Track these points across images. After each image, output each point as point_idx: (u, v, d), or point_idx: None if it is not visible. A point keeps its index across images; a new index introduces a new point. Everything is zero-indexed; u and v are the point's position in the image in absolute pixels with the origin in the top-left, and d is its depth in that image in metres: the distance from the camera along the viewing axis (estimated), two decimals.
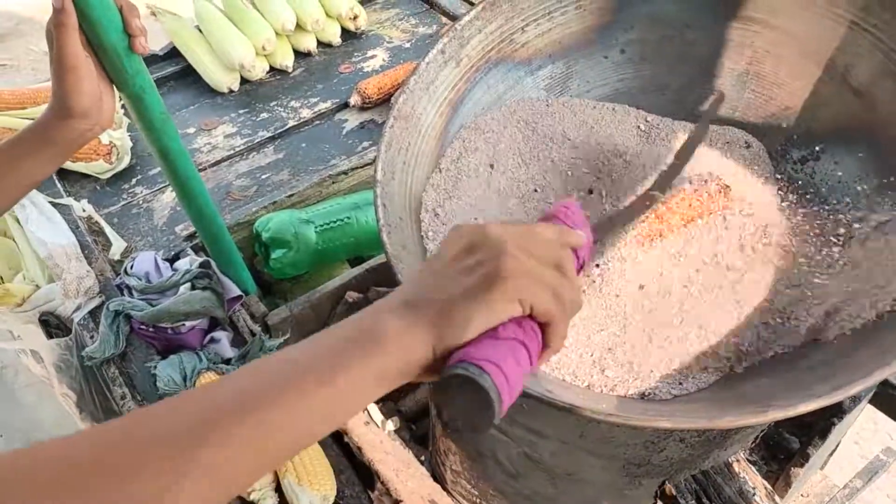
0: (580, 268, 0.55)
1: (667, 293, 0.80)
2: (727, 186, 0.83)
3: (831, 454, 1.23)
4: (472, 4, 1.76)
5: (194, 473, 0.38)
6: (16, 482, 0.35)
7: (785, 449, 1.13)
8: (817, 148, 0.89)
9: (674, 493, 0.99)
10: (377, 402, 1.28)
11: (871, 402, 1.05)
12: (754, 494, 0.97)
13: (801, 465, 1.08)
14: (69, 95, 0.75)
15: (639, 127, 0.99)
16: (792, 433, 1.13)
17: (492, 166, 0.94)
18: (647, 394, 0.73)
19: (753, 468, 1.01)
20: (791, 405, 0.58)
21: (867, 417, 1.87)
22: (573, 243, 0.52)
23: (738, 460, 0.99)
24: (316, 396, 0.41)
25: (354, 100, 1.56)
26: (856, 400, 0.99)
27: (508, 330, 0.44)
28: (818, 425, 1.03)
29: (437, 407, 0.44)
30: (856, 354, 0.66)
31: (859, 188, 0.83)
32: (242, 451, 0.40)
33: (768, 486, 1.01)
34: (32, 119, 0.79)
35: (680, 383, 0.74)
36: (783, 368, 0.72)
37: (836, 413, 1.00)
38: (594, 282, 0.83)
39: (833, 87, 0.86)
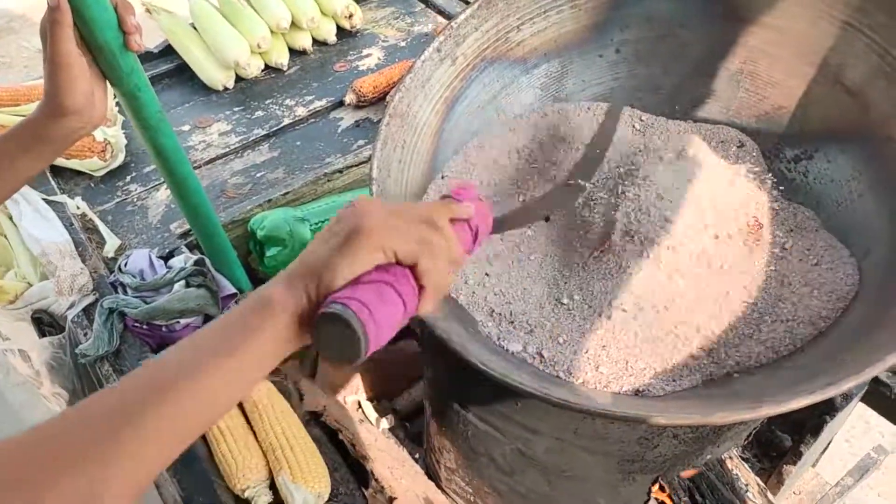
0: (474, 238, 0.61)
1: (660, 292, 0.81)
2: (760, 225, 0.83)
3: (823, 452, 1.24)
4: (467, 3, 1.76)
5: (121, 459, 0.43)
6: None
7: (777, 446, 1.14)
8: (811, 147, 0.89)
9: (667, 489, 0.99)
10: (372, 401, 1.28)
11: (862, 400, 1.06)
12: (747, 491, 0.97)
13: (794, 463, 1.08)
14: (61, 93, 0.75)
15: (633, 126, 0.99)
16: (784, 431, 1.13)
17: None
18: (640, 390, 0.73)
19: (746, 465, 1.01)
20: (783, 401, 0.59)
21: (858, 416, 1.88)
22: (456, 212, 0.58)
23: (731, 457, 0.99)
24: (225, 368, 0.47)
25: (350, 98, 1.56)
26: (847, 398, 1.00)
27: (372, 274, 0.51)
28: (810, 423, 1.04)
29: (316, 346, 0.50)
30: (847, 351, 0.66)
31: (852, 188, 0.84)
32: (164, 431, 0.45)
33: (761, 483, 1.01)
34: (26, 116, 0.78)
35: (673, 380, 0.74)
36: (775, 365, 0.73)
37: (827, 411, 1.01)
38: (590, 281, 0.84)
39: (826, 86, 0.86)
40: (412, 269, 0.53)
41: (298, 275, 0.51)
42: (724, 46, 0.94)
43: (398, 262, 0.53)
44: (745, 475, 1.00)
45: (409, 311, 0.53)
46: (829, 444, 1.21)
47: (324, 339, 0.49)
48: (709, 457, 0.89)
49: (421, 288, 0.54)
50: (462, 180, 0.64)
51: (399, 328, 0.53)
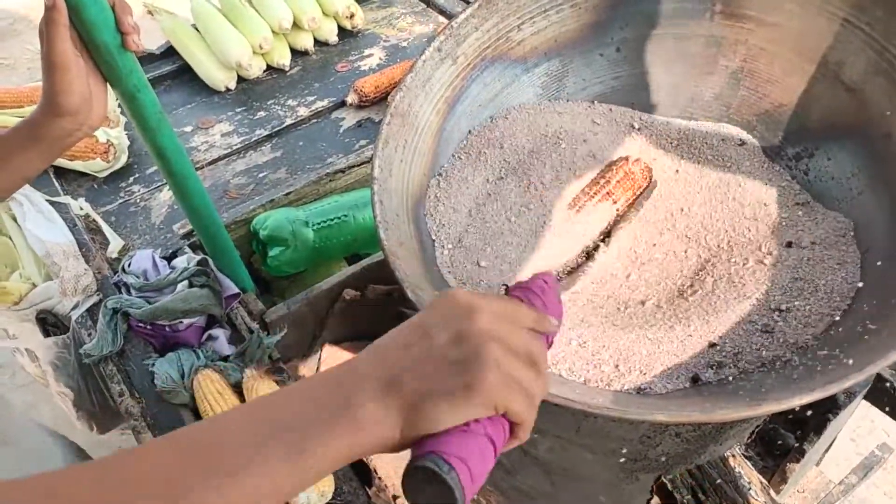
0: (549, 345, 0.56)
1: (661, 291, 0.81)
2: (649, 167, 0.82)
3: (827, 450, 1.24)
4: (468, 3, 1.76)
5: None
6: None
7: (781, 444, 1.14)
8: (811, 145, 0.89)
9: (670, 487, 0.99)
10: None
11: (865, 398, 1.06)
12: (750, 489, 0.97)
13: (797, 461, 1.08)
14: (58, 94, 0.74)
15: (632, 125, 0.99)
16: (787, 429, 1.13)
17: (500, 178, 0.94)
18: (642, 388, 0.73)
19: (749, 463, 1.01)
20: (785, 398, 0.59)
21: (863, 414, 1.87)
22: (547, 331, 0.53)
23: (733, 455, 0.99)
24: (286, 463, 0.42)
25: (351, 98, 1.57)
26: (851, 396, 1.00)
27: (480, 425, 0.45)
28: (813, 421, 1.04)
29: (405, 491, 0.45)
30: (849, 349, 0.66)
31: (852, 185, 0.84)
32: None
33: (764, 481, 1.01)
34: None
35: (676, 378, 0.74)
36: (778, 364, 0.72)
37: (831, 409, 1.01)
38: (591, 283, 0.84)
39: (826, 84, 0.86)
40: (511, 422, 0.48)
41: (400, 393, 0.45)
42: (724, 45, 0.94)
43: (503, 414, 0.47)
44: (747, 473, 1.00)
45: (496, 457, 0.47)
46: (833, 442, 1.21)
47: (415, 489, 0.44)
48: (711, 455, 0.89)
49: (510, 439, 0.49)
50: (542, 273, 0.58)
51: None
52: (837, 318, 0.74)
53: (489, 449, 0.45)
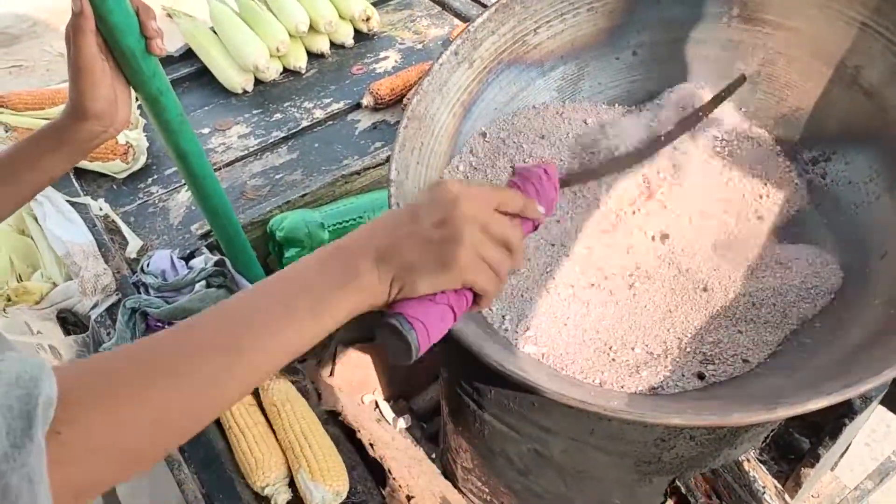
0: (534, 227, 0.64)
1: (676, 294, 0.81)
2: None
3: (842, 455, 1.23)
4: (484, 6, 1.77)
5: (240, 360, 0.49)
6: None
7: (795, 449, 1.13)
8: (828, 149, 0.89)
9: (684, 491, 0.99)
10: (389, 401, 1.29)
11: (882, 402, 1.05)
12: (764, 493, 0.97)
13: (812, 466, 1.08)
14: (84, 98, 0.77)
15: (650, 126, 0.99)
16: (802, 433, 1.13)
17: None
18: (655, 387, 0.73)
19: (763, 467, 1.01)
20: (800, 402, 0.59)
21: (879, 419, 1.86)
22: (532, 217, 0.62)
23: (748, 459, 0.99)
24: (305, 321, 0.51)
25: (367, 100, 1.58)
26: (867, 400, 0.99)
27: (445, 296, 0.55)
28: (828, 425, 1.03)
29: (377, 336, 0.55)
30: (865, 353, 0.66)
31: (870, 189, 0.83)
32: (266, 352, 0.50)
33: (778, 486, 1.01)
34: (49, 119, 0.80)
35: (689, 380, 0.74)
36: (792, 367, 0.72)
37: (846, 413, 1.00)
38: (606, 278, 0.84)
39: (844, 88, 0.86)
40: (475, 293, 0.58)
41: (391, 265, 0.54)
42: (742, 49, 0.94)
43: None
44: (762, 477, 0.99)
45: (456, 321, 0.58)
46: (848, 447, 1.21)
47: (383, 338, 0.55)
48: (726, 459, 0.89)
49: (473, 304, 0.58)
50: (541, 162, 0.66)
51: None
52: (854, 322, 0.74)
53: (449, 315, 0.56)
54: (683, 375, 0.74)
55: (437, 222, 0.55)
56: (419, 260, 0.54)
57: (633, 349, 0.77)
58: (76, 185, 1.41)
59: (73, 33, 0.75)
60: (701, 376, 0.74)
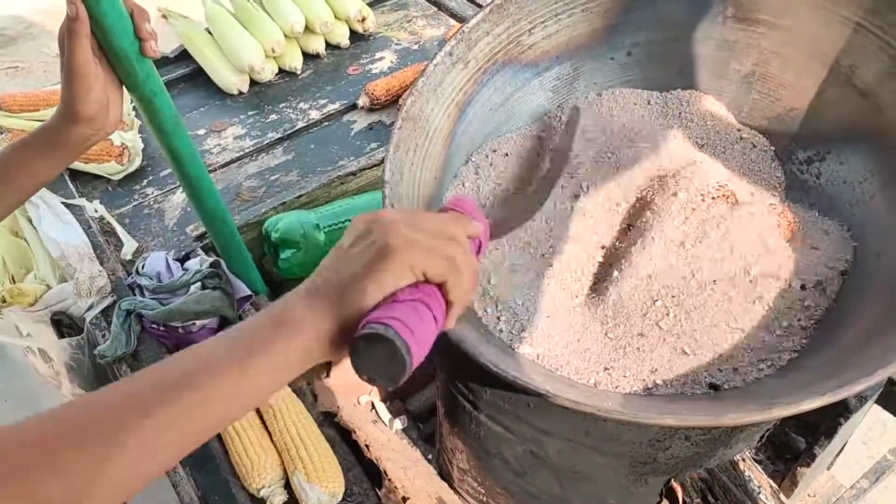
0: (478, 250, 0.61)
1: (671, 296, 0.81)
2: (734, 195, 0.83)
3: (838, 454, 1.23)
4: (479, 6, 1.77)
5: (127, 448, 0.43)
6: None
7: (791, 448, 1.13)
8: (823, 149, 0.89)
9: (679, 491, 1.00)
10: (385, 402, 1.29)
11: (877, 402, 1.05)
12: (759, 493, 0.97)
13: (808, 465, 1.08)
14: (77, 101, 0.77)
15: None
16: (798, 433, 1.13)
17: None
18: (650, 388, 0.73)
19: (759, 467, 1.01)
20: (795, 402, 0.59)
21: (875, 418, 1.86)
22: (468, 229, 0.58)
23: (743, 459, 0.99)
24: (239, 378, 0.47)
25: (363, 101, 1.58)
26: (862, 399, 0.99)
27: (406, 293, 0.50)
28: (824, 425, 1.03)
29: (356, 368, 0.48)
30: (860, 353, 0.66)
31: (864, 189, 0.83)
32: (170, 430, 0.45)
33: (774, 485, 1.01)
34: (44, 121, 0.81)
35: (684, 383, 0.74)
36: (787, 368, 0.73)
37: (842, 412, 1.00)
38: (604, 279, 0.84)
39: (839, 88, 0.86)
40: (439, 286, 0.53)
41: (321, 292, 0.50)
42: (736, 48, 0.94)
43: (426, 281, 0.52)
44: (757, 477, 1.00)
45: (439, 326, 0.53)
46: (844, 446, 1.21)
47: (364, 360, 0.48)
48: (721, 459, 0.89)
49: (448, 303, 0.54)
50: (458, 194, 0.64)
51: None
52: (848, 323, 0.74)
53: (422, 308, 0.50)
54: (684, 383, 0.74)
55: (361, 234, 0.52)
56: (353, 269, 0.50)
57: (629, 361, 0.77)
58: (71, 186, 1.41)
59: (68, 37, 0.75)
60: (714, 387, 0.73)
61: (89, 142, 0.81)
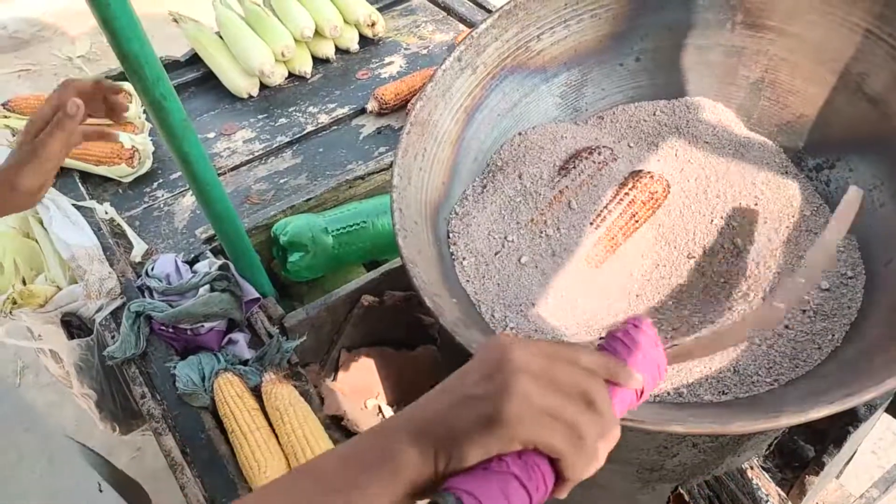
0: (639, 398, 0.52)
1: (678, 301, 0.81)
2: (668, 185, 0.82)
3: (847, 463, 1.23)
4: (488, 12, 1.77)
5: None
6: None
7: (800, 457, 1.13)
8: (832, 156, 0.89)
9: (687, 498, 0.99)
10: (392, 406, 1.29)
11: (887, 410, 1.05)
12: (767, 502, 0.96)
13: (816, 474, 1.07)
14: (25, 179, 0.81)
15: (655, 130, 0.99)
16: (807, 441, 1.12)
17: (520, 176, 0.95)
18: (658, 395, 0.73)
19: (767, 475, 1.00)
20: (802, 411, 0.59)
21: (885, 427, 1.85)
22: (615, 378, 0.49)
23: (751, 467, 0.99)
24: None
25: (371, 105, 1.58)
26: (871, 408, 0.99)
27: (503, 463, 0.45)
28: (833, 433, 1.03)
29: None
30: (868, 362, 0.66)
31: (874, 197, 0.83)
32: None
33: (782, 494, 1.00)
34: None
35: (693, 389, 0.74)
36: (795, 375, 0.72)
37: (850, 421, 1.00)
38: (610, 287, 0.84)
39: (848, 95, 0.86)
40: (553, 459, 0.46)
41: (431, 437, 0.46)
42: (745, 55, 0.94)
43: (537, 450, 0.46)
44: (765, 485, 0.99)
45: (531, 497, 0.46)
46: (853, 455, 1.20)
47: None
48: (729, 466, 0.88)
49: (558, 478, 0.47)
50: (636, 316, 0.53)
51: None
52: (857, 332, 0.73)
53: (515, 488, 0.44)
54: (694, 389, 0.73)
55: (483, 376, 0.47)
56: (463, 422, 0.45)
57: None
58: (82, 188, 1.42)
59: (55, 126, 0.79)
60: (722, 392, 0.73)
61: (16, 207, 0.85)
